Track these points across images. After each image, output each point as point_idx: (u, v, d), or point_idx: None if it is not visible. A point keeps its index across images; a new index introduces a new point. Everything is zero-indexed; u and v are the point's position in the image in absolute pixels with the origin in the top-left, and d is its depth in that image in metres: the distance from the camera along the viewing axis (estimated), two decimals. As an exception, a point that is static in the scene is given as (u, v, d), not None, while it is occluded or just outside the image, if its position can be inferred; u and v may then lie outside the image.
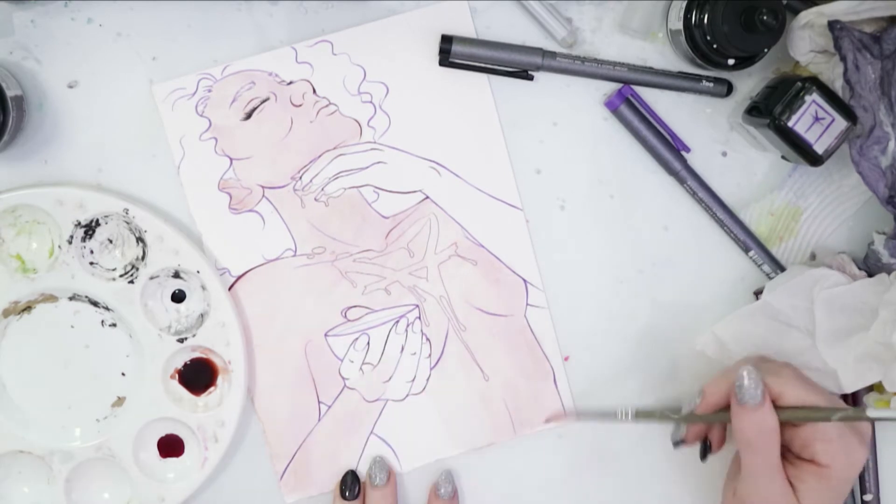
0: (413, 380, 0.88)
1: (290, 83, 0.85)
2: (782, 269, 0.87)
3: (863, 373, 0.81)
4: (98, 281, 0.85)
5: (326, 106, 0.86)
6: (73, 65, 0.84)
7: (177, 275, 0.86)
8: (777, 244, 0.88)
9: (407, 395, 0.88)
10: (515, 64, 0.84)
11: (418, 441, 0.89)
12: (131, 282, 0.85)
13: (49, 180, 0.85)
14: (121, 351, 0.87)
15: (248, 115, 0.85)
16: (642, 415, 0.83)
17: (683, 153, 0.86)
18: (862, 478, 0.88)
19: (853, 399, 0.87)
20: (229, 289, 0.86)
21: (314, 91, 0.85)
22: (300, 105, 0.85)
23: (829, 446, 0.75)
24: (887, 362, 0.80)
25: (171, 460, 0.88)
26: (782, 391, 0.76)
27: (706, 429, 0.82)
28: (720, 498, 0.82)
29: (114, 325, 0.86)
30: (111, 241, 0.85)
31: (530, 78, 0.85)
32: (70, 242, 0.84)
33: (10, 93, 0.79)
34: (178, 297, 0.87)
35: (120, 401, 0.87)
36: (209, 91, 0.85)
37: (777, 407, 0.76)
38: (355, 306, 0.87)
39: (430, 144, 0.86)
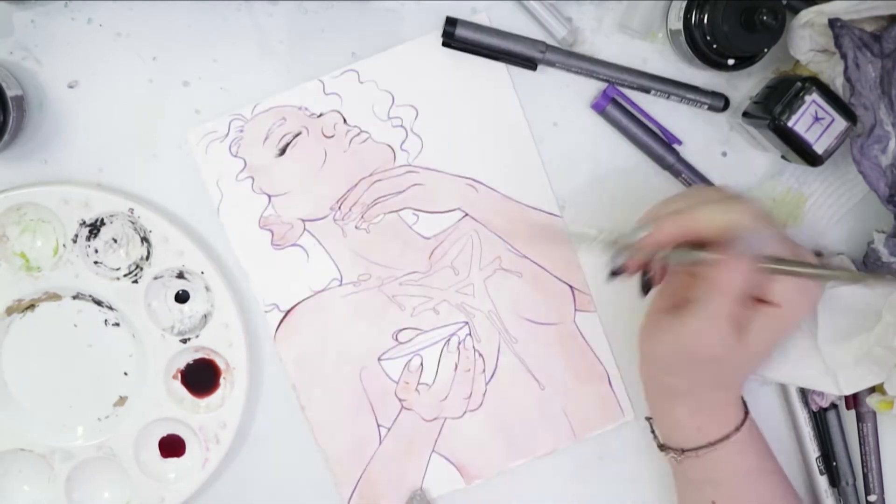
0: (469, 396, 0.88)
1: (321, 115, 0.86)
2: None
3: (862, 375, 0.81)
4: (102, 280, 0.85)
5: (358, 134, 0.86)
6: (73, 65, 0.84)
7: (181, 275, 0.86)
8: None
9: (465, 412, 0.88)
10: (517, 54, 0.84)
11: (480, 456, 0.89)
12: (135, 281, 0.85)
13: (50, 180, 0.85)
14: (123, 350, 0.87)
15: (282, 151, 0.86)
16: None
17: (676, 147, 0.85)
18: (866, 477, 0.88)
19: (854, 398, 0.87)
20: (279, 324, 0.87)
21: (345, 121, 0.86)
22: (332, 136, 0.86)
23: (785, 285, 0.75)
24: (889, 366, 0.79)
25: (172, 460, 0.88)
26: None
27: (647, 259, 0.77)
28: None
29: (117, 324, 0.87)
30: (116, 241, 0.86)
31: (534, 67, 0.84)
32: (75, 241, 0.84)
33: (10, 93, 0.80)
34: (182, 297, 0.87)
35: (122, 400, 0.88)
36: (241, 131, 0.85)
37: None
38: (406, 328, 0.88)
39: (464, 161, 0.86)
